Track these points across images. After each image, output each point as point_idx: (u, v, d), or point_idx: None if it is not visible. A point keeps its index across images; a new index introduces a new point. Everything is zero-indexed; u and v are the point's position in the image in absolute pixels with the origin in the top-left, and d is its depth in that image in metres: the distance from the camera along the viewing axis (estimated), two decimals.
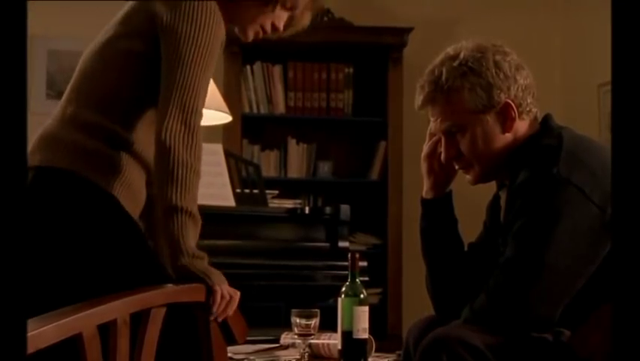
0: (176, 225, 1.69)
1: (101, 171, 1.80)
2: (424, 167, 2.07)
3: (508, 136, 1.91)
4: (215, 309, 1.70)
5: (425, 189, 2.08)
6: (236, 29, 1.97)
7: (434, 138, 2.03)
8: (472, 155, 1.93)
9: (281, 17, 1.97)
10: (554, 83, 4.85)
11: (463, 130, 1.92)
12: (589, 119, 4.46)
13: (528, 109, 1.92)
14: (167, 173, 1.71)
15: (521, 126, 1.92)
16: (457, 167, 1.99)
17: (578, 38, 4.87)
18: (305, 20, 2.03)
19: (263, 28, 1.96)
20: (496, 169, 1.94)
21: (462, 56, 1.90)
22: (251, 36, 1.97)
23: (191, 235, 1.72)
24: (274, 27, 1.97)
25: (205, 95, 1.80)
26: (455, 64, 1.90)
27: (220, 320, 1.72)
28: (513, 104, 1.89)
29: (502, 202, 1.96)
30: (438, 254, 2.04)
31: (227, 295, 1.71)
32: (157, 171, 1.75)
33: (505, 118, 1.90)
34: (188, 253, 1.69)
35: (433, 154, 2.04)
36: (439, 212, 2.06)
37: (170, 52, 1.77)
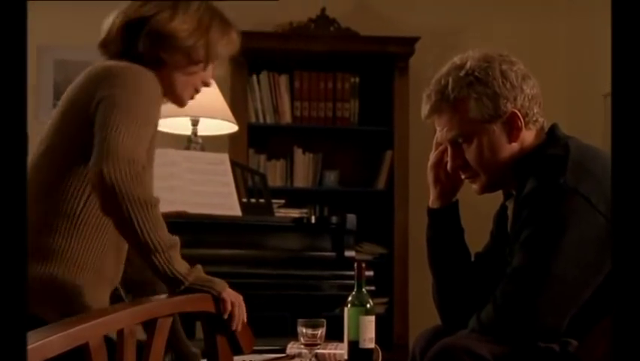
0: (161, 262, 1.64)
1: (51, 301, 1.67)
2: (430, 176, 2.06)
3: (515, 146, 1.91)
4: (226, 316, 1.70)
5: (431, 199, 2.08)
6: (169, 101, 1.97)
7: (440, 148, 2.03)
8: (478, 164, 1.92)
9: (209, 73, 1.98)
10: (560, 93, 4.84)
11: (470, 140, 1.91)
12: (594, 129, 4.45)
13: (534, 119, 1.92)
14: (130, 222, 1.61)
15: (528, 136, 1.91)
16: (463, 176, 1.99)
17: (584, 48, 4.87)
18: (223, 69, 2.05)
19: (196, 89, 1.98)
20: (503, 179, 1.94)
21: (468, 65, 1.90)
22: (187, 101, 1.98)
23: (178, 261, 1.68)
24: (205, 84, 1.99)
25: (144, 149, 1.69)
26: (462, 73, 1.90)
27: (239, 328, 1.72)
28: (519, 114, 1.89)
29: (510, 212, 1.96)
30: (444, 264, 2.04)
31: (235, 301, 1.72)
32: (116, 221, 1.64)
33: (512, 128, 1.90)
34: (184, 277, 1.67)
35: (439, 164, 2.04)
36: (445, 222, 2.05)
37: (105, 105, 1.70)
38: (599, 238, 1.75)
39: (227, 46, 1.98)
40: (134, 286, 1.97)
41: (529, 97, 1.90)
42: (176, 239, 1.69)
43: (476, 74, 1.89)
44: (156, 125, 1.81)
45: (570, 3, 5.00)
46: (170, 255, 1.65)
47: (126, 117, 1.67)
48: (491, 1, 5.02)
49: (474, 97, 1.88)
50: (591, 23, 4.72)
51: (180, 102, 1.98)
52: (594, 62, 4.64)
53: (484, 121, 1.89)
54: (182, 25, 1.89)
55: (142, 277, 1.92)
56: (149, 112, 1.74)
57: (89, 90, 1.75)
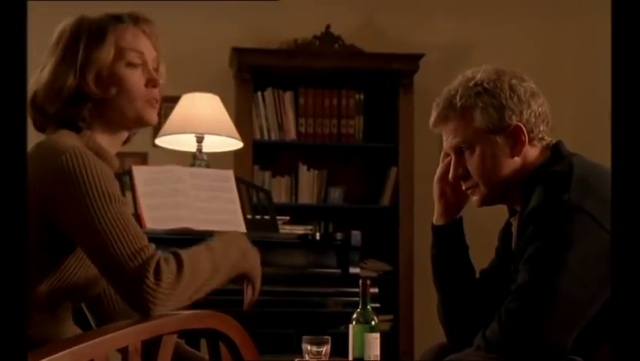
0: (230, 273, 1.71)
1: None
2: (435, 190, 2.06)
3: (517, 160, 1.91)
4: (246, 305, 1.75)
5: (436, 215, 2.08)
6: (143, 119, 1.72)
7: (446, 160, 2.03)
8: (478, 175, 1.93)
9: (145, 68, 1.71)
10: (567, 110, 4.83)
11: (472, 148, 1.92)
12: (602, 147, 4.45)
13: (540, 136, 1.92)
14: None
15: (531, 152, 1.92)
16: (463, 187, 1.99)
17: (593, 66, 4.87)
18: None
19: (153, 99, 1.72)
20: (502, 193, 1.94)
21: (479, 77, 1.92)
22: (156, 111, 1.74)
23: (226, 257, 1.73)
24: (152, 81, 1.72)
25: (134, 227, 1.54)
26: (471, 84, 1.92)
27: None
28: (524, 129, 1.89)
29: (514, 229, 1.96)
30: (449, 281, 2.03)
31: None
32: None
33: (515, 142, 1.90)
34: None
35: (445, 178, 2.03)
36: (449, 238, 2.05)
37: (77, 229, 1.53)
38: (605, 255, 1.74)
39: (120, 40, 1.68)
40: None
41: (536, 114, 1.91)
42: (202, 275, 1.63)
43: (485, 84, 1.90)
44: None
45: (579, 23, 5.01)
46: (225, 266, 1.70)
47: (101, 213, 1.52)
48: (496, 18, 5.03)
49: (480, 106, 1.89)
50: (602, 43, 4.72)
51: (155, 116, 1.73)
52: (604, 81, 4.64)
53: (488, 131, 1.90)
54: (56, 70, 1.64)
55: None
56: (107, 187, 1.55)
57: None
